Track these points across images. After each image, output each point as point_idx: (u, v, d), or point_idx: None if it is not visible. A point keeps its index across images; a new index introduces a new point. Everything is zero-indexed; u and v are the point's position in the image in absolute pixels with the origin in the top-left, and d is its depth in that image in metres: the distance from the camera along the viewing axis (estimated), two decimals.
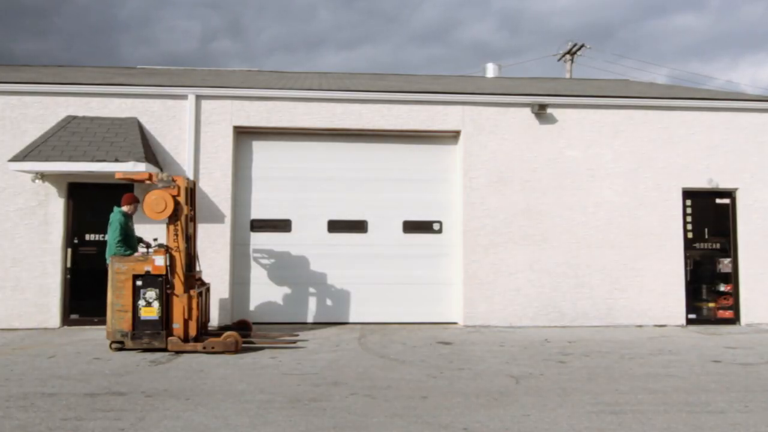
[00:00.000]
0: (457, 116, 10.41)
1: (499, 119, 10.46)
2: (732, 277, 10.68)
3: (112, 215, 8.11)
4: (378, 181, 10.52)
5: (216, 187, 9.96)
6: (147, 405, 5.38)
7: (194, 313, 7.76)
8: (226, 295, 9.84)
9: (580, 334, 9.43)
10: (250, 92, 10.19)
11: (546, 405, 5.50)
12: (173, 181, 7.87)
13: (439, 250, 10.53)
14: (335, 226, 10.42)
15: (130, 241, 8.12)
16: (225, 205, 9.96)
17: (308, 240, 10.33)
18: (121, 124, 9.76)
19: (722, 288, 10.69)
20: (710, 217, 10.79)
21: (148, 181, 8.02)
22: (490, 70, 16.77)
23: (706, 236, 10.77)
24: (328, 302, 10.32)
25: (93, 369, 6.77)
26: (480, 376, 6.59)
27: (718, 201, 10.81)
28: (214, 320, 9.55)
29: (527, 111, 10.48)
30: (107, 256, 7.97)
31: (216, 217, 9.90)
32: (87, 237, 9.80)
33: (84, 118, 9.80)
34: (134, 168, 8.89)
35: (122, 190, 9.77)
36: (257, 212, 10.34)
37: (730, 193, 10.80)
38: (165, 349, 7.64)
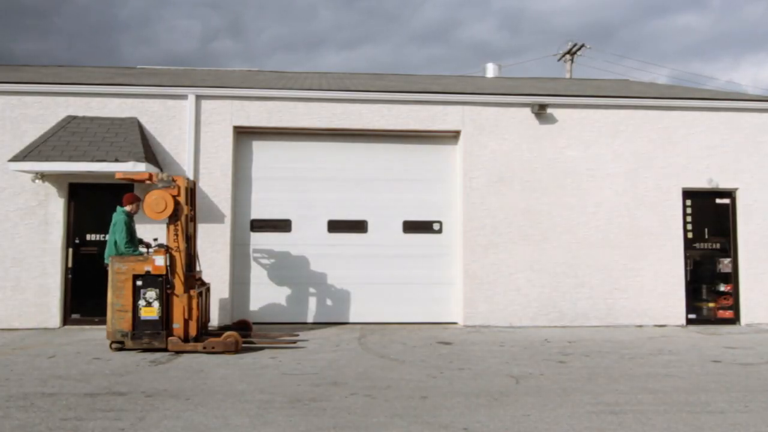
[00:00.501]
0: (457, 116, 10.41)
1: (499, 119, 10.47)
2: (732, 277, 10.68)
3: (115, 215, 8.12)
4: (378, 181, 10.52)
5: (216, 187, 9.96)
6: (147, 405, 5.38)
7: (194, 313, 7.76)
8: (226, 294, 9.84)
9: (580, 334, 9.43)
10: (250, 92, 10.20)
11: (546, 405, 5.50)
12: (173, 181, 7.86)
13: (439, 250, 10.52)
14: (335, 226, 10.42)
15: (134, 241, 8.15)
16: (225, 205, 9.96)
17: (308, 240, 10.33)
18: (121, 124, 9.76)
19: (722, 288, 10.69)
20: (710, 217, 10.79)
21: (148, 181, 8.01)
22: (490, 70, 16.78)
23: (706, 236, 10.77)
24: (328, 302, 10.32)
25: (93, 369, 6.77)
26: (480, 376, 6.59)
27: (718, 201, 10.81)
28: (214, 320, 9.55)
29: (527, 111, 10.48)
30: (106, 255, 7.97)
31: (216, 217, 9.90)
32: (88, 237, 9.80)
33: (84, 118, 9.80)
34: (134, 168, 8.89)
35: (122, 191, 9.77)
36: (257, 212, 10.34)
37: (730, 193, 10.80)
38: (165, 349, 7.63)
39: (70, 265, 9.71)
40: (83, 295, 9.69)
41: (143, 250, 8.22)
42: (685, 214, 10.67)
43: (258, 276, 10.26)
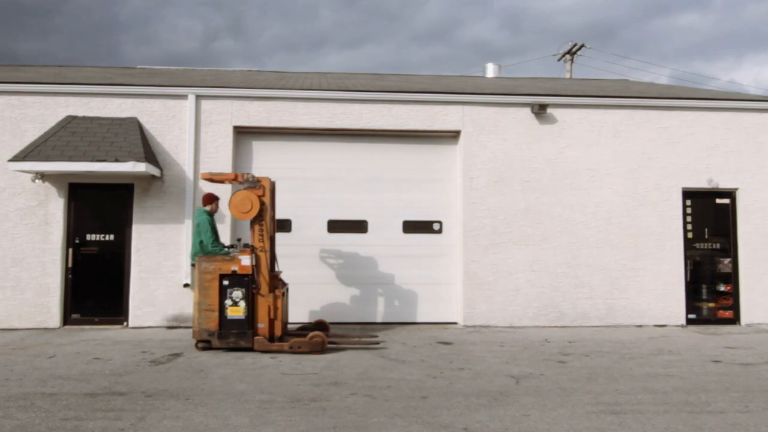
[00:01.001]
0: (457, 116, 10.41)
1: (499, 119, 10.47)
2: (732, 277, 10.68)
3: (196, 216, 8.22)
4: (378, 181, 10.53)
5: (216, 187, 9.94)
6: (147, 405, 5.39)
7: (279, 312, 7.80)
8: None
9: (580, 334, 9.43)
10: (250, 92, 10.20)
11: (546, 405, 5.50)
12: (258, 181, 7.88)
13: (439, 250, 10.53)
14: (335, 226, 10.42)
15: (219, 240, 8.20)
16: (225, 205, 9.94)
17: (308, 240, 10.33)
18: (121, 124, 9.76)
19: (722, 288, 10.69)
20: (710, 217, 10.80)
21: (233, 182, 8.06)
22: (490, 70, 16.78)
23: (706, 236, 10.77)
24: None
25: (93, 369, 6.77)
26: (480, 376, 6.59)
27: (718, 201, 10.81)
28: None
29: (527, 111, 10.48)
30: (192, 255, 8.08)
31: (216, 216, 9.86)
32: (88, 237, 9.79)
33: (84, 118, 9.80)
34: (134, 168, 8.90)
35: (123, 191, 9.80)
36: None
37: (730, 193, 10.80)
38: (251, 349, 7.66)
39: (70, 265, 9.71)
40: (83, 295, 9.69)
41: (227, 249, 8.24)
42: (685, 214, 10.67)
43: None
